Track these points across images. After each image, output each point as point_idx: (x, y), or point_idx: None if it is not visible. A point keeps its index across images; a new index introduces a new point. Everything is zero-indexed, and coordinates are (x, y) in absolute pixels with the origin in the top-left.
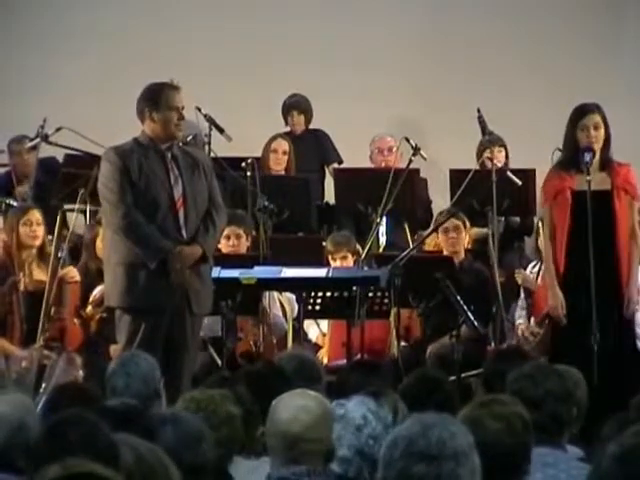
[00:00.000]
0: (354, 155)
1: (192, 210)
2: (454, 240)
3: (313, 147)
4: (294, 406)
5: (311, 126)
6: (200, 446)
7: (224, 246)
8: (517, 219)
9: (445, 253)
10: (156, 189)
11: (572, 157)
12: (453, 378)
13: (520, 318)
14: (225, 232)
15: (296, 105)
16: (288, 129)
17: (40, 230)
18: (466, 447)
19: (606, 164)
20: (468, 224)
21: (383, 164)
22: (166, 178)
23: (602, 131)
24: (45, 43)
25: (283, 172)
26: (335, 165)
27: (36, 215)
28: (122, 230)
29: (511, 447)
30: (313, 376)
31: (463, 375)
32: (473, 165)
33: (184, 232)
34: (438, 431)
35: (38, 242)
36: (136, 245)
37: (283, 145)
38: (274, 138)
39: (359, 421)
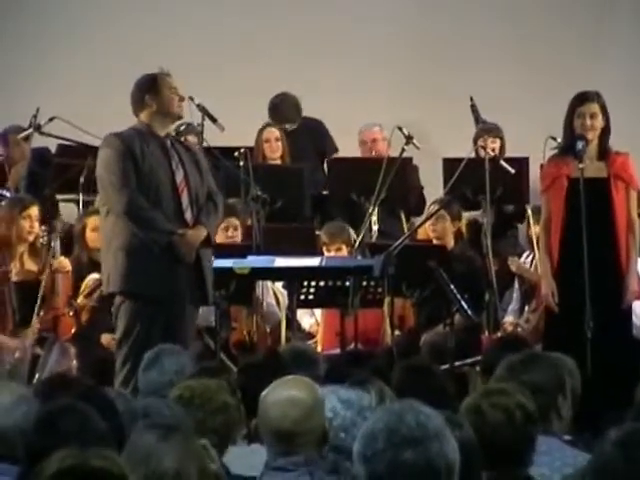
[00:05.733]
0: (347, 144)
1: (193, 195)
2: (434, 227)
3: (307, 138)
4: (282, 401)
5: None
6: None
7: (222, 237)
8: (511, 207)
9: (433, 241)
10: (159, 174)
11: (569, 144)
12: (447, 367)
13: (510, 314)
14: (223, 224)
15: (281, 105)
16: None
17: (37, 226)
18: (444, 427)
19: (604, 153)
20: (462, 214)
21: (373, 153)
22: (167, 163)
23: (599, 120)
24: (41, 36)
25: (279, 159)
26: (334, 156)
27: (36, 211)
28: (127, 214)
29: (511, 438)
30: (312, 368)
31: (457, 364)
32: (467, 154)
33: (187, 216)
34: (413, 415)
35: (32, 237)
36: (141, 229)
37: (274, 132)
38: (263, 128)
39: (328, 414)
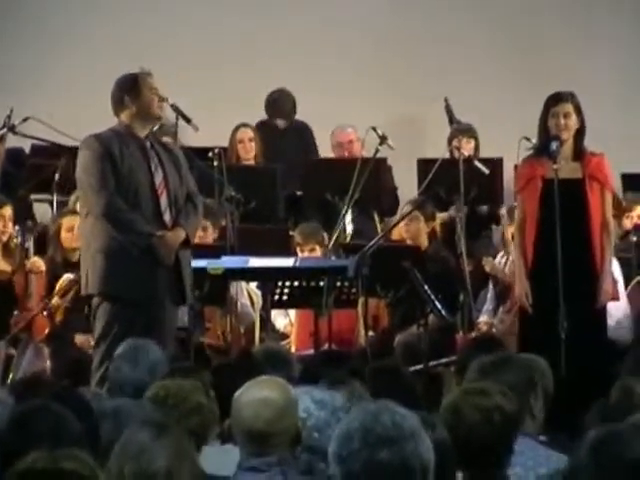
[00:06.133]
0: (322, 145)
1: (172, 196)
2: (408, 227)
3: (296, 139)
4: (255, 401)
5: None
6: None
7: None
8: (485, 207)
9: (407, 241)
10: (138, 175)
11: (544, 144)
12: (421, 367)
13: (484, 315)
14: None
15: (278, 102)
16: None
17: (10, 226)
18: (418, 426)
19: (579, 154)
20: (436, 214)
21: (346, 154)
22: (147, 165)
23: (573, 120)
24: (17, 37)
25: (253, 160)
26: None
27: (9, 211)
28: (105, 216)
29: (488, 439)
30: (285, 369)
31: (431, 364)
32: (442, 155)
33: (166, 218)
34: (389, 415)
35: (6, 237)
36: (120, 231)
37: (248, 133)
38: (237, 128)
39: (301, 415)
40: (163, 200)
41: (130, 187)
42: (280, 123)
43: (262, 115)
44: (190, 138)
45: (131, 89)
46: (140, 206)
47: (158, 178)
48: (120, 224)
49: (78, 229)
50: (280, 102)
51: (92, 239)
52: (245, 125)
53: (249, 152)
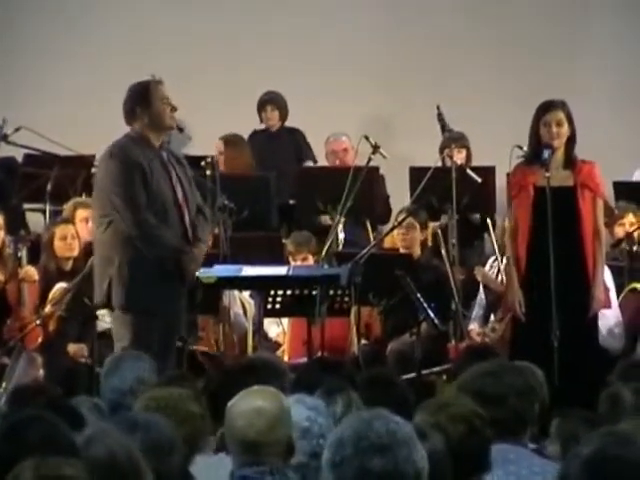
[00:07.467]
0: (316, 152)
1: (192, 211)
2: (405, 236)
3: (289, 144)
4: (248, 411)
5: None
6: (171, 455)
7: None
8: (477, 216)
9: (400, 250)
10: (164, 190)
11: (535, 153)
12: (413, 375)
13: (474, 321)
14: None
15: (270, 100)
16: (263, 127)
17: (2, 235)
18: (412, 434)
19: (570, 162)
20: (429, 223)
21: (337, 162)
22: (168, 178)
23: (565, 128)
24: (7, 44)
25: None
26: (310, 163)
27: (0, 220)
28: (135, 230)
29: (475, 447)
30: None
31: (423, 372)
32: (434, 163)
33: (189, 233)
34: (383, 422)
35: None
36: (149, 245)
37: (218, 146)
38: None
39: (304, 424)
40: (186, 216)
41: (157, 202)
42: (270, 124)
43: (254, 123)
44: (182, 146)
45: (142, 100)
46: (168, 222)
47: (179, 193)
48: (150, 239)
49: (59, 240)
50: (278, 98)
51: (117, 250)
52: (222, 137)
53: (222, 165)
